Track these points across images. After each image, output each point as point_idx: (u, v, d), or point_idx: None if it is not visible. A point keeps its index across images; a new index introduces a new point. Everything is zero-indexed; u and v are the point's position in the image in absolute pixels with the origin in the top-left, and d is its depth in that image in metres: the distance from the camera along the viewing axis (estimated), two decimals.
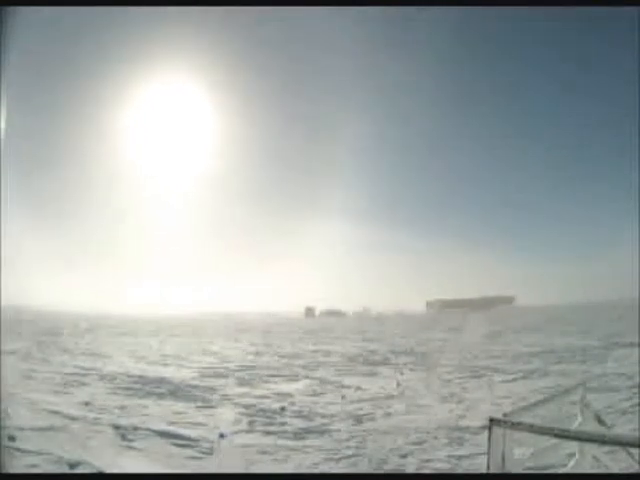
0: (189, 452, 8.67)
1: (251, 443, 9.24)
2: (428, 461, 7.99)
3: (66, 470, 7.33)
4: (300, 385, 15.79)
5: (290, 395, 13.90)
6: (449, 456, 8.16)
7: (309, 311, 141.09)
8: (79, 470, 7.38)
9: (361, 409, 12.04)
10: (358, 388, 14.94)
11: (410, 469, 7.65)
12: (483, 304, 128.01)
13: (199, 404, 12.74)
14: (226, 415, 11.45)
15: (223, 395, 13.96)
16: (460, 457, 8.03)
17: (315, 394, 14.22)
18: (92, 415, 11.09)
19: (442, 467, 7.67)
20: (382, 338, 37.56)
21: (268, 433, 9.99)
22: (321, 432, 10.02)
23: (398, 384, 15.40)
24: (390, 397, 13.50)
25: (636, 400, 10.90)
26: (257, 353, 26.74)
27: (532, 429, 2.32)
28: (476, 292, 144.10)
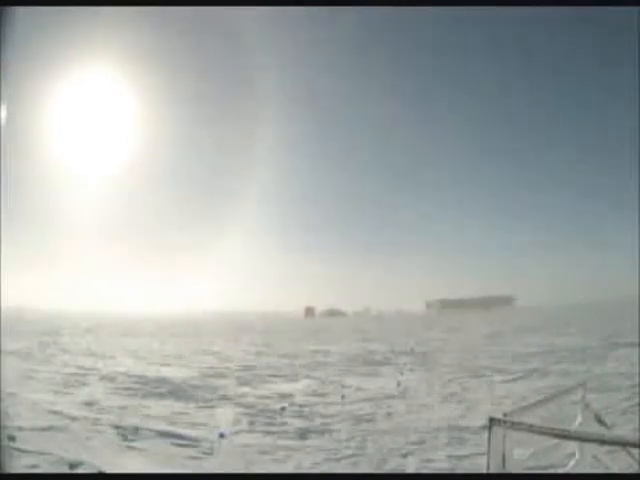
0: (189, 452, 8.67)
1: (251, 443, 9.24)
2: (428, 461, 7.98)
3: (66, 470, 7.33)
4: (300, 385, 15.79)
5: (290, 395, 13.90)
6: (449, 456, 8.16)
7: (309, 311, 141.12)
8: (79, 470, 7.38)
9: (361, 409, 12.04)
10: (358, 388, 14.94)
11: (410, 469, 7.65)
12: (483, 304, 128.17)
13: (200, 404, 12.74)
14: (226, 415, 11.44)
15: (223, 395, 13.96)
16: (460, 457, 8.02)
17: (315, 394, 14.21)
18: (93, 415, 11.09)
19: (442, 467, 7.67)
20: (382, 338, 37.59)
21: (268, 433, 9.99)
22: (321, 432, 10.02)
23: (398, 384, 15.40)
24: (390, 397, 13.50)
25: (636, 400, 10.90)
26: (257, 353, 26.75)
27: (532, 429, 2.32)
28: (476, 292, 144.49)
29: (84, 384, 15.46)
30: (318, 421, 10.97)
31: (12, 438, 8.08)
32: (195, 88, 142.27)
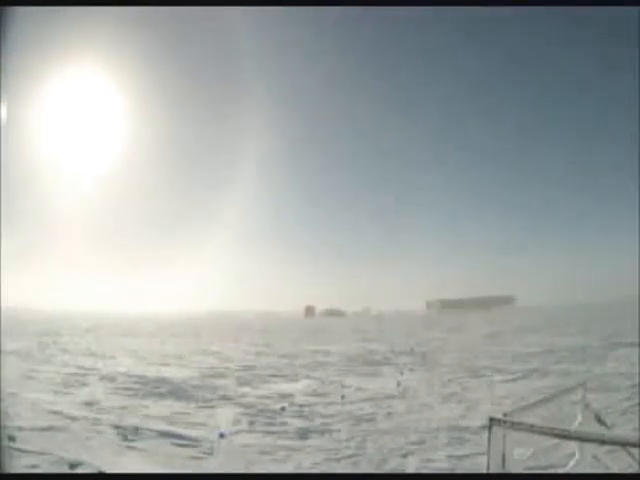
0: (190, 452, 8.67)
1: (251, 443, 9.24)
2: (428, 461, 7.98)
3: (66, 470, 7.34)
4: (300, 385, 15.79)
5: (290, 395, 13.90)
6: (449, 456, 8.16)
7: (309, 310, 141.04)
8: (79, 470, 7.38)
9: (361, 409, 12.04)
10: (358, 388, 14.94)
11: (410, 469, 7.65)
12: (483, 304, 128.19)
13: (200, 404, 12.74)
14: (226, 415, 11.44)
15: (223, 395, 13.96)
16: (460, 457, 8.02)
17: (315, 394, 14.21)
18: (93, 415, 11.09)
19: (442, 467, 7.67)
20: (382, 338, 37.60)
21: (268, 433, 9.99)
22: (321, 432, 10.02)
23: (398, 384, 15.40)
24: (390, 397, 13.50)
25: (636, 400, 10.90)
26: (257, 353, 26.76)
27: (532, 429, 2.32)
28: (476, 292, 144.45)
29: (84, 384, 15.46)
30: (318, 421, 10.97)
31: (12, 438, 8.09)
32: (185, 89, 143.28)
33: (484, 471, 2.47)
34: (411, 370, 18.70)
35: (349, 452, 8.62)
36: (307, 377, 17.42)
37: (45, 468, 7.33)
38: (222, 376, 17.56)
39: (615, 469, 3.16)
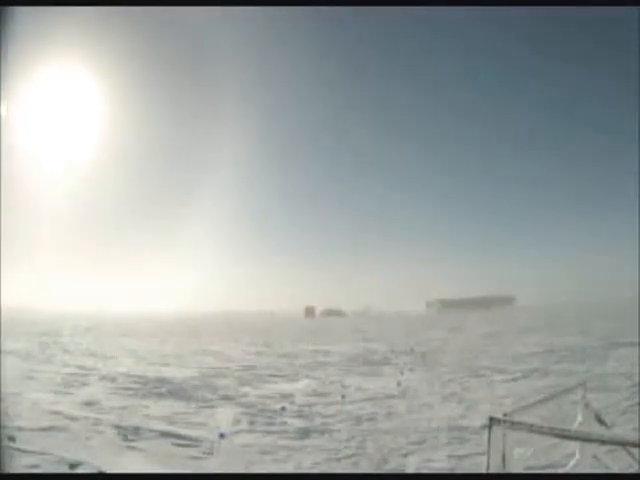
0: (189, 452, 8.67)
1: (251, 443, 9.24)
2: (429, 461, 7.98)
3: (66, 470, 7.34)
4: (300, 385, 15.79)
5: (291, 395, 13.91)
6: (449, 456, 8.16)
7: (309, 311, 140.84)
8: (79, 470, 7.38)
9: (361, 409, 12.04)
10: (358, 388, 14.94)
11: (410, 469, 7.65)
12: (483, 304, 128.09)
13: (200, 404, 12.74)
14: (227, 415, 11.44)
15: (224, 395, 13.96)
16: (460, 457, 8.02)
17: (315, 394, 14.22)
18: (93, 415, 11.09)
19: (442, 467, 7.67)
20: (382, 338, 37.57)
21: (268, 433, 9.99)
22: (321, 432, 10.02)
23: (398, 384, 15.40)
24: (390, 397, 13.50)
25: (636, 400, 10.91)
26: (257, 353, 26.76)
27: (532, 429, 2.32)
28: (476, 292, 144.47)
29: (84, 384, 15.46)
30: (318, 421, 10.97)
31: (12, 438, 8.09)
32: (181, 89, 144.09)
33: (484, 471, 2.47)
34: (411, 370, 18.69)
35: (349, 452, 8.62)
36: (307, 377, 17.42)
37: (45, 468, 7.33)
38: (222, 376, 17.56)
39: (615, 469, 3.17)
